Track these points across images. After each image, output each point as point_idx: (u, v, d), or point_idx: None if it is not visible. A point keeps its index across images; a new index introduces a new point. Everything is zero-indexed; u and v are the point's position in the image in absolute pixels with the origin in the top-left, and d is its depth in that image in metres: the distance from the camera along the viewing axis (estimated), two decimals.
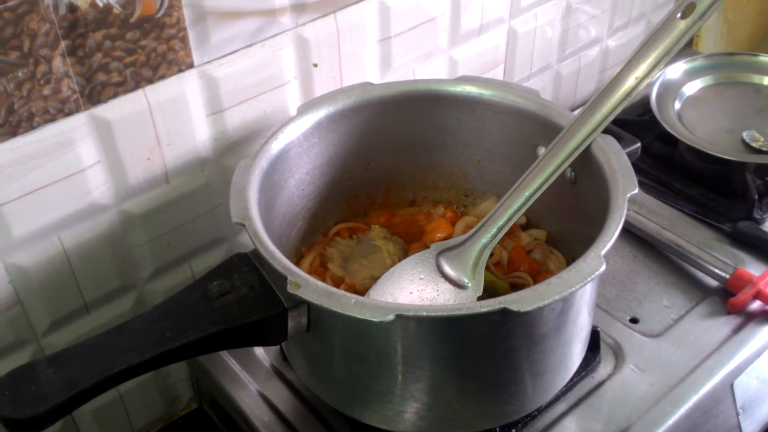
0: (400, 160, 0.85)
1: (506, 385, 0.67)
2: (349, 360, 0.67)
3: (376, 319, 0.56)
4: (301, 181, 0.79)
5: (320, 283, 0.59)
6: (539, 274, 0.80)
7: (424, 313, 0.57)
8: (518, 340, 0.63)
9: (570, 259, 0.81)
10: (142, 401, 0.88)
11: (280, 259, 0.61)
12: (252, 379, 0.80)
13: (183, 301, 0.62)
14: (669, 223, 0.97)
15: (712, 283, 0.90)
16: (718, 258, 0.90)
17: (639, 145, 0.80)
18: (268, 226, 0.68)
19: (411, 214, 0.88)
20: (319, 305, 0.57)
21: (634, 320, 0.86)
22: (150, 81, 0.70)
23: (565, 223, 0.82)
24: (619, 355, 0.82)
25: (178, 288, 0.82)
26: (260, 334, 0.63)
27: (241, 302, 0.62)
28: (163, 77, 0.71)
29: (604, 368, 0.80)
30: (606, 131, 0.72)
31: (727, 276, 0.88)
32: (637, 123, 1.10)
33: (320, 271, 0.81)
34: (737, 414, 0.82)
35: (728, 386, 0.81)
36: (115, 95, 0.69)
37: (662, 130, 1.04)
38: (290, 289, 0.58)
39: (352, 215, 0.87)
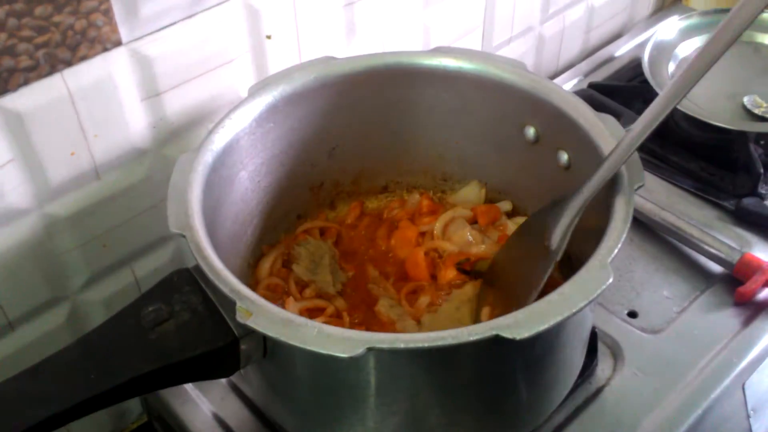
0: (369, 144, 0.77)
1: (498, 410, 0.60)
2: (314, 391, 0.58)
3: (343, 355, 0.47)
4: (255, 173, 0.70)
5: (276, 309, 0.50)
6: None
7: (402, 345, 0.48)
8: (512, 364, 0.55)
9: None
10: (88, 417, 0.79)
11: (228, 279, 0.52)
12: (206, 399, 0.72)
13: (111, 334, 0.52)
14: (667, 201, 0.90)
15: (717, 269, 0.83)
16: (722, 241, 0.83)
17: None
18: (217, 230, 0.60)
19: (380, 210, 0.80)
20: (275, 338, 0.48)
21: (632, 314, 0.79)
22: (68, 63, 0.61)
23: None
24: (617, 355, 0.75)
25: (119, 296, 0.73)
26: (207, 369, 0.53)
27: (182, 331, 0.52)
28: (84, 58, 0.62)
29: (602, 371, 0.73)
30: (599, 106, 0.63)
31: (734, 262, 0.80)
32: (627, 89, 1.03)
33: (283, 272, 0.73)
34: (748, 416, 0.76)
35: (739, 387, 0.74)
36: (25, 82, 0.60)
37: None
38: (240, 317, 0.49)
39: (317, 206, 0.79)
